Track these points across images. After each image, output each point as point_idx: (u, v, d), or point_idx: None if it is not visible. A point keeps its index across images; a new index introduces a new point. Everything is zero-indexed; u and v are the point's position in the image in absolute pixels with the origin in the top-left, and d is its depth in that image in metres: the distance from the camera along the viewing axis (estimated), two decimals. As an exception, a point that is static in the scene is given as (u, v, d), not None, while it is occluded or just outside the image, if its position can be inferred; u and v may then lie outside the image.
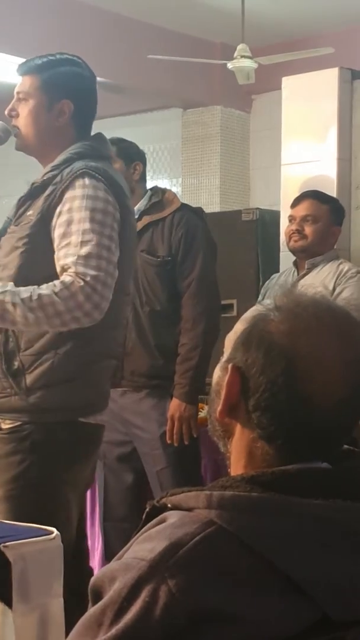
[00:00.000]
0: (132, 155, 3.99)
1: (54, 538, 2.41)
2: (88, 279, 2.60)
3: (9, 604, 2.33)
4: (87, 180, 2.69)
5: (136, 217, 3.85)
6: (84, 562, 3.00)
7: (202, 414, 4.20)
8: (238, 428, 1.29)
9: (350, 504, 1.20)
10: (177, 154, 8.27)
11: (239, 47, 6.31)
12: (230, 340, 1.34)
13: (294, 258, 4.51)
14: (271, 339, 1.26)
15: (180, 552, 1.14)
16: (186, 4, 7.05)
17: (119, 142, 3.99)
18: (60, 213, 2.69)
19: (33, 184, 2.81)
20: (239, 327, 1.33)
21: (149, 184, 4.09)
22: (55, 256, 2.68)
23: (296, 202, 4.48)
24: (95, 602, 1.18)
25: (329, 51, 6.18)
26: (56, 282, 2.62)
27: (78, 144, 2.81)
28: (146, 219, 3.89)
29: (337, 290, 4.18)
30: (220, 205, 7.69)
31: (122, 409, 3.79)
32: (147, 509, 1.27)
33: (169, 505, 1.23)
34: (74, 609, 2.11)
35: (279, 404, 1.24)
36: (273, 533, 1.15)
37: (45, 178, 2.77)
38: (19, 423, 2.72)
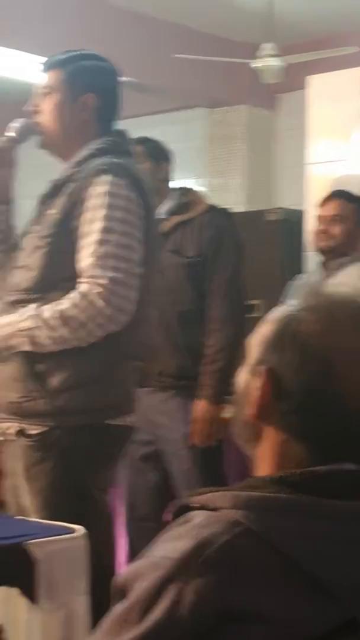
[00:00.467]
0: (159, 155, 3.99)
1: (79, 536, 2.42)
2: (105, 282, 2.58)
3: (34, 601, 2.34)
4: (109, 177, 2.65)
5: (164, 217, 3.86)
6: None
7: (226, 414, 4.19)
8: (268, 431, 1.29)
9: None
10: (203, 154, 8.27)
11: (266, 46, 6.30)
12: (254, 343, 1.33)
13: (319, 258, 4.50)
14: (305, 339, 1.26)
15: (206, 551, 1.14)
16: (212, 4, 7.05)
17: (145, 142, 3.99)
18: (81, 211, 2.66)
19: (54, 181, 2.79)
20: (264, 329, 1.32)
21: (175, 184, 4.08)
22: (76, 257, 2.65)
23: (324, 202, 4.47)
24: (120, 600, 1.19)
25: (355, 50, 6.15)
26: (74, 293, 2.60)
27: (99, 139, 2.78)
28: (175, 219, 3.89)
29: None
30: (246, 205, 7.68)
31: (148, 409, 3.79)
32: (173, 508, 1.27)
33: (195, 504, 1.23)
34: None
35: (314, 405, 1.24)
36: (300, 534, 1.15)
37: (66, 175, 2.74)
38: (46, 428, 2.67)
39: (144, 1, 7.00)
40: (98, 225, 2.62)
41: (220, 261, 3.83)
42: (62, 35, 6.72)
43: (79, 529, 2.44)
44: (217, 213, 3.94)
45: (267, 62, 6.28)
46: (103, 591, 2.27)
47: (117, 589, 1.20)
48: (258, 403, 1.28)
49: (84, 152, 2.75)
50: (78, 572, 2.40)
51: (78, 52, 2.91)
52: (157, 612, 1.13)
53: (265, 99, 7.91)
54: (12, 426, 2.72)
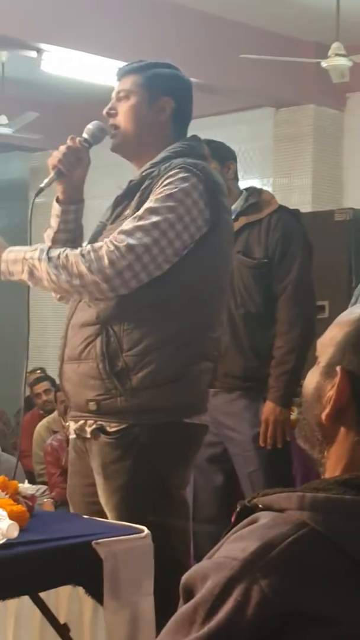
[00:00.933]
0: (225, 155, 3.99)
1: (144, 536, 2.42)
2: (121, 245, 2.59)
3: (100, 601, 2.35)
4: (182, 174, 2.67)
5: (232, 217, 3.86)
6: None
7: (293, 415, 4.17)
8: (342, 432, 1.27)
9: None
10: (269, 154, 8.25)
11: (334, 45, 6.27)
12: (324, 344, 1.31)
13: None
14: None
15: (272, 552, 1.13)
16: (279, 3, 7.03)
17: (209, 143, 3.97)
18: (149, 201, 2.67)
19: (130, 182, 2.80)
20: (334, 331, 1.30)
21: (241, 185, 4.07)
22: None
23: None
24: (186, 601, 1.18)
25: None
26: (88, 245, 2.65)
27: (177, 143, 2.80)
28: (243, 220, 3.88)
29: None
30: (312, 205, 7.64)
31: (214, 410, 3.77)
32: (238, 509, 1.26)
33: (260, 505, 1.23)
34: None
35: None
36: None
37: (144, 174, 2.75)
38: (125, 425, 2.67)
39: (212, 2, 7.01)
40: (149, 205, 2.64)
41: (288, 262, 3.81)
42: (129, 37, 6.77)
43: (144, 529, 2.44)
44: (286, 214, 3.92)
45: (336, 61, 6.25)
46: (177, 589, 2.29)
47: (183, 589, 1.20)
48: (334, 404, 1.26)
49: (162, 154, 2.77)
50: (144, 572, 2.40)
51: (151, 61, 2.94)
52: (223, 612, 1.12)
53: (332, 99, 7.86)
54: (89, 423, 2.73)
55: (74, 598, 2.67)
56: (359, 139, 7.68)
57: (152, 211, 2.63)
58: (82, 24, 6.63)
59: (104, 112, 2.86)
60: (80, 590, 2.44)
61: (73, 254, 2.63)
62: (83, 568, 2.34)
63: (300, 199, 7.74)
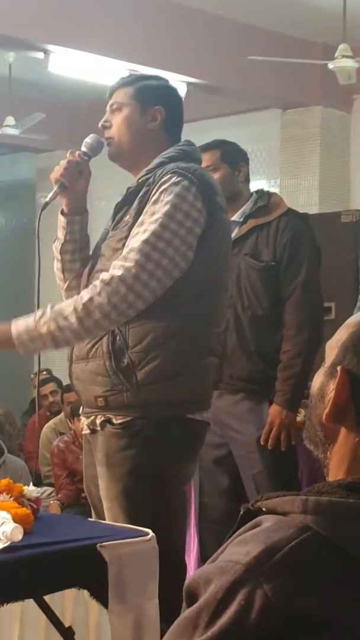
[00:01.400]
0: (236, 157, 3.99)
1: (149, 539, 2.42)
2: (131, 265, 2.68)
3: (105, 604, 2.34)
4: (177, 179, 2.76)
5: (241, 220, 3.86)
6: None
7: (299, 417, 4.16)
8: (343, 432, 1.28)
9: None
10: (276, 155, 8.25)
11: (341, 46, 6.26)
12: (331, 346, 1.31)
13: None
14: None
15: (276, 556, 1.13)
16: (286, 4, 7.02)
17: (222, 145, 3.99)
18: (146, 210, 2.77)
19: (128, 189, 2.90)
20: (341, 333, 1.31)
21: (251, 186, 4.06)
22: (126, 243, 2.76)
23: None
24: (190, 604, 1.18)
25: None
26: (96, 282, 2.70)
27: (170, 149, 2.91)
28: (251, 222, 3.88)
29: None
30: (319, 207, 7.63)
31: (218, 411, 3.78)
32: (242, 512, 1.26)
33: (264, 509, 1.22)
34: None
35: None
36: (370, 540, 1.14)
37: (140, 181, 2.86)
38: (130, 418, 2.77)
39: (219, 3, 7.00)
40: (154, 218, 2.72)
41: (295, 266, 3.80)
42: (136, 38, 6.77)
43: (149, 532, 2.43)
44: (294, 217, 3.91)
45: (343, 62, 6.25)
46: (172, 589, 2.31)
47: (187, 593, 1.19)
48: (334, 403, 1.27)
49: (156, 160, 2.87)
50: (149, 575, 2.40)
51: (141, 74, 3.15)
52: (226, 617, 1.12)
53: (339, 100, 7.86)
54: (98, 417, 2.83)
55: (79, 601, 2.67)
56: (366, 141, 7.69)
57: (162, 226, 2.70)
58: (89, 25, 6.64)
59: (100, 125, 2.98)
60: (85, 593, 2.44)
61: (88, 299, 2.68)
62: (88, 571, 2.34)
63: (307, 200, 7.73)
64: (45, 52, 6.69)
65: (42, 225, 2.98)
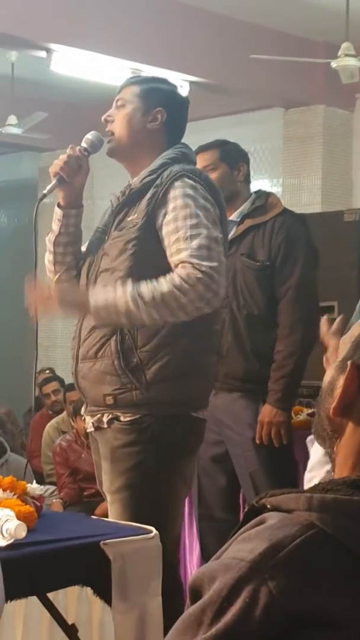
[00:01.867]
0: (236, 157, 3.98)
1: (152, 537, 2.42)
2: (204, 269, 2.74)
3: (108, 601, 2.34)
4: (186, 181, 2.85)
5: (238, 220, 3.87)
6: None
7: (300, 417, 4.17)
8: (350, 427, 1.28)
9: None
10: (278, 154, 8.24)
11: (343, 45, 6.26)
12: (344, 342, 1.33)
13: None
14: None
15: (280, 553, 1.13)
16: (289, 4, 7.02)
17: (222, 145, 3.99)
18: (165, 213, 2.83)
19: (131, 189, 2.94)
20: (355, 329, 1.31)
21: (251, 186, 4.06)
22: (168, 253, 2.81)
23: None
24: (194, 601, 1.18)
25: None
26: (174, 276, 2.74)
27: (169, 150, 2.99)
28: (248, 222, 3.88)
29: None
30: (321, 206, 7.63)
31: (215, 409, 3.78)
32: (246, 509, 1.26)
33: (268, 506, 1.22)
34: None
35: None
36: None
37: (144, 182, 2.91)
38: (138, 415, 2.84)
39: (222, 2, 7.00)
40: (184, 222, 2.80)
41: (290, 266, 3.81)
42: (139, 37, 6.76)
43: (152, 530, 2.44)
44: (290, 217, 3.92)
45: (345, 61, 6.24)
46: (165, 584, 2.33)
47: (191, 590, 1.19)
48: (341, 397, 1.27)
49: (158, 161, 2.94)
50: (152, 573, 2.40)
51: (152, 76, 3.28)
52: (230, 614, 1.12)
53: (342, 99, 7.85)
54: (105, 415, 2.89)
55: (82, 598, 2.68)
56: (369, 140, 7.68)
57: (196, 226, 2.79)
58: (92, 24, 6.63)
59: (102, 118, 3.05)
60: (89, 590, 2.44)
61: (167, 291, 2.73)
62: (91, 568, 2.34)
63: (309, 199, 7.73)
64: (48, 51, 6.69)
65: (41, 222, 3.04)
